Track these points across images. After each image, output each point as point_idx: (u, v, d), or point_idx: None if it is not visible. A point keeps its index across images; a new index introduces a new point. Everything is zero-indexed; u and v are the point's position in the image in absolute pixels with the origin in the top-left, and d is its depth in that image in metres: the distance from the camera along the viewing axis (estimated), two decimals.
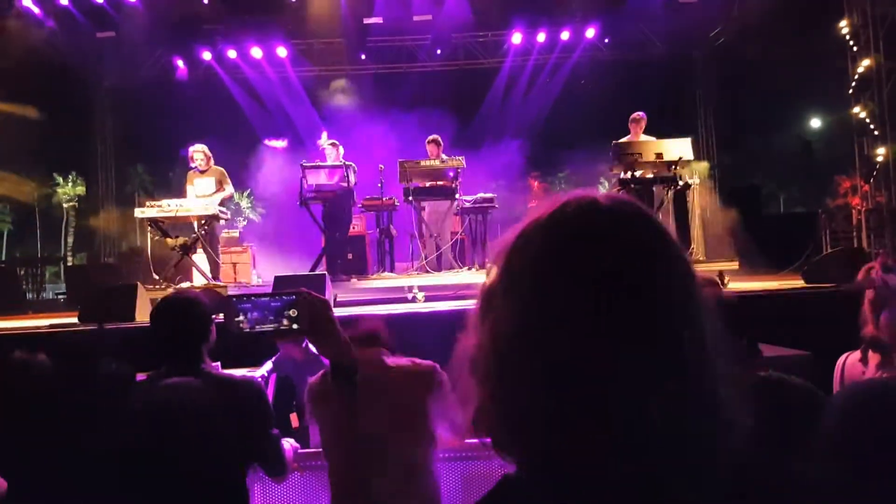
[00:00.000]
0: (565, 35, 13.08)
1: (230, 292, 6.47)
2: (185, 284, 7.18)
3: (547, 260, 0.61)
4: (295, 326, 1.33)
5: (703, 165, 11.04)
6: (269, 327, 1.32)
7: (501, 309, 0.63)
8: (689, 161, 7.20)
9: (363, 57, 13.33)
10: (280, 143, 13.93)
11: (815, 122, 22.58)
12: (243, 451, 1.83)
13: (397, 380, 1.96)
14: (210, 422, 1.49)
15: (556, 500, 0.59)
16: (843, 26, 11.01)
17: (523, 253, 0.63)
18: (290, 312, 1.31)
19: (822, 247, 9.43)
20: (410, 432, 1.90)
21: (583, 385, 0.57)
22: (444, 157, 7.47)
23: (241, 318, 1.33)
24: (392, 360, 2.02)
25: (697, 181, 7.40)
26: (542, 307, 0.60)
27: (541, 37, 13.10)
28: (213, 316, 2.05)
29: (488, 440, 0.65)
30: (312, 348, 3.42)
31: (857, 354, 2.12)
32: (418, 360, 2.09)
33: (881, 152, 10.75)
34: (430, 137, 7.79)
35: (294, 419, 3.18)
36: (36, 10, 10.57)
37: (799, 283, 5.48)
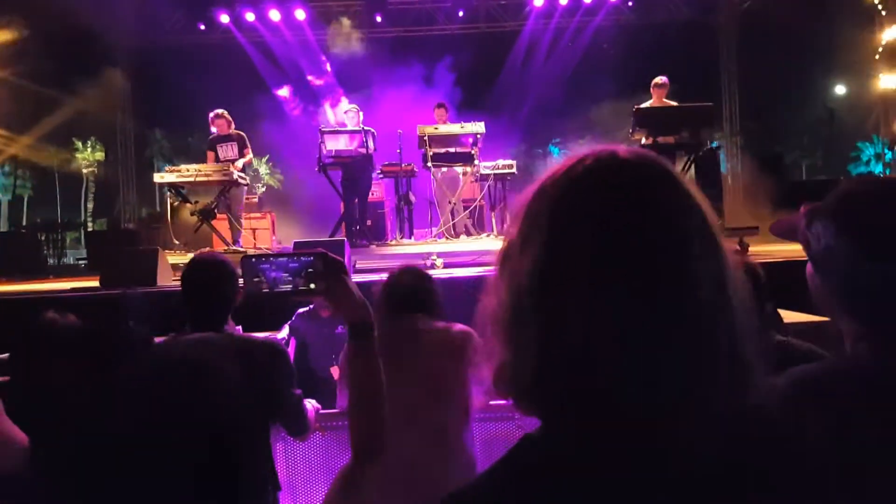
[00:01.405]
0: None
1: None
2: (205, 250, 7.25)
3: (563, 211, 0.61)
4: (312, 286, 1.32)
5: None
6: (286, 288, 1.33)
7: (518, 263, 0.62)
8: (713, 127, 7.07)
9: (378, 20, 13.11)
10: (284, 92, 13.87)
11: (840, 89, 22.00)
12: (265, 409, 1.86)
13: (429, 345, 1.97)
14: (231, 377, 1.51)
15: (575, 456, 0.59)
16: None
17: (539, 206, 0.63)
18: (308, 272, 1.31)
19: None
20: (442, 398, 1.91)
21: (598, 338, 0.57)
22: (463, 123, 7.39)
23: (260, 278, 1.33)
24: (424, 325, 2.02)
25: (720, 146, 7.28)
26: (557, 258, 0.59)
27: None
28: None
29: (509, 399, 0.65)
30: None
31: None
32: (453, 326, 2.08)
33: None
34: (438, 103, 7.76)
35: (335, 372, 3.23)
36: None
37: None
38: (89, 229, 19.71)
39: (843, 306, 0.96)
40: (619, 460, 0.57)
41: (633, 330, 0.57)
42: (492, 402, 2.32)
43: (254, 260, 1.28)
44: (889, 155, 11.04)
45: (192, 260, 2.12)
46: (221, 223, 7.37)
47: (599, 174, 0.61)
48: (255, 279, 1.28)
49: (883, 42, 10.62)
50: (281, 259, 1.28)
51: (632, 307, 0.57)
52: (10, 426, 1.33)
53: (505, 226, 7.13)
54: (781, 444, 0.62)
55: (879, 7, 10.62)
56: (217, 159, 7.36)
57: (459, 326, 2.11)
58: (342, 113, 7.71)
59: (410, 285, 2.23)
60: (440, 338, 2.05)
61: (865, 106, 14.05)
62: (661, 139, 6.96)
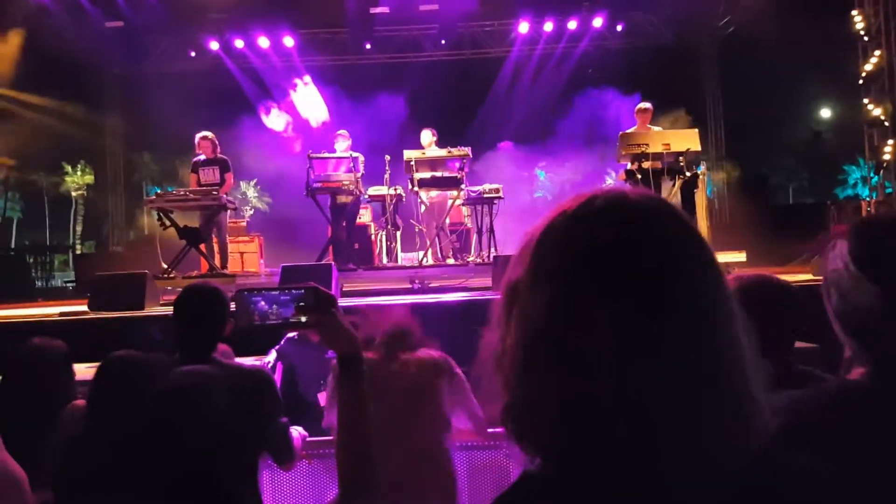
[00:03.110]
0: (572, 24, 13.01)
1: (238, 283, 6.53)
2: (193, 273, 7.24)
3: (576, 255, 0.61)
4: (303, 319, 1.36)
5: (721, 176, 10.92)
6: (277, 321, 1.37)
7: (528, 303, 0.62)
8: (696, 152, 7.18)
9: (368, 47, 13.29)
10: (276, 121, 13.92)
11: (825, 112, 22.35)
12: (252, 438, 1.88)
13: (408, 368, 2.02)
14: (223, 408, 1.53)
15: (580, 496, 0.59)
16: (856, 15, 10.91)
17: (551, 247, 0.63)
18: (299, 305, 1.35)
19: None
20: (423, 418, 1.96)
21: (612, 381, 0.57)
22: (450, 148, 7.48)
23: (253, 311, 1.37)
24: (404, 353, 2.08)
25: (704, 170, 7.38)
26: (570, 303, 0.59)
27: (548, 26, 13.02)
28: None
29: (510, 434, 0.64)
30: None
31: None
32: (430, 352, 2.15)
33: (890, 143, 10.69)
34: (426, 129, 7.78)
35: (322, 398, 3.23)
36: None
37: (807, 275, 5.49)
38: (77, 252, 19.61)
39: (846, 328, 0.97)
40: (623, 499, 0.57)
41: (649, 376, 0.57)
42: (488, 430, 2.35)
43: (246, 293, 1.32)
44: (875, 179, 11.21)
45: (186, 288, 2.14)
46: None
47: (609, 217, 0.62)
48: (248, 312, 1.32)
49: (866, 70, 10.86)
50: (273, 292, 1.33)
51: (646, 354, 0.57)
52: (8, 459, 1.34)
53: (493, 252, 7.18)
54: (784, 486, 0.61)
55: (863, 34, 10.88)
56: (199, 183, 7.39)
57: (436, 353, 2.18)
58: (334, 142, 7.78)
59: (402, 328, 2.29)
60: (420, 366, 2.11)
61: (851, 129, 14.30)
62: (646, 164, 7.06)
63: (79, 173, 23.48)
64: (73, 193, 24.61)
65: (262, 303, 1.37)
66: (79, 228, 25.41)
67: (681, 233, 0.62)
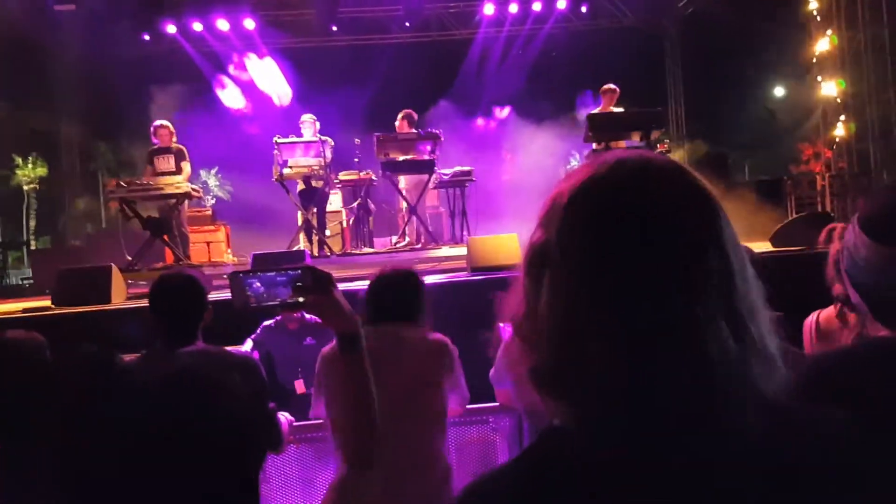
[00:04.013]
0: (537, 6, 13.02)
1: (209, 273, 6.41)
2: (158, 265, 7.08)
3: (610, 217, 0.62)
4: (300, 300, 1.35)
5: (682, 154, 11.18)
6: (274, 301, 1.36)
7: (561, 267, 0.63)
8: (660, 131, 7.31)
9: (335, 29, 13.08)
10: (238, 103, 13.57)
11: (779, 91, 22.89)
12: (244, 424, 1.86)
13: (410, 351, 2.00)
14: (214, 395, 1.51)
15: (613, 450, 0.60)
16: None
17: (582, 212, 0.63)
18: (296, 285, 1.34)
19: (788, 212, 9.69)
20: (418, 408, 1.93)
21: (650, 338, 0.59)
22: (420, 131, 7.44)
23: (249, 293, 1.35)
24: (406, 332, 2.03)
25: (669, 149, 7.53)
26: (607, 265, 0.60)
27: (513, 7, 13.02)
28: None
29: (544, 394, 0.65)
30: (308, 317, 3.46)
31: (830, 311, 2.21)
32: (430, 333, 2.10)
33: (842, 119, 11.03)
34: (403, 112, 7.72)
35: (299, 385, 3.21)
36: None
37: (767, 246, 5.65)
38: (32, 248, 18.95)
39: (856, 290, 1.04)
40: (665, 455, 0.59)
41: (680, 330, 0.59)
42: (468, 406, 2.35)
43: (241, 275, 1.30)
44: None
45: (161, 277, 2.10)
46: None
47: (641, 179, 0.63)
48: (244, 294, 1.30)
49: (817, 52, 11.17)
50: (268, 274, 1.31)
51: (679, 310, 0.59)
52: None
53: (465, 234, 7.19)
54: (813, 428, 0.64)
55: (815, 15, 11.16)
56: (155, 172, 7.23)
57: (436, 335, 2.12)
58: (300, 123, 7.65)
59: (396, 291, 2.15)
60: (418, 347, 2.06)
61: (804, 108, 14.68)
62: (613, 144, 7.15)
63: (30, 166, 22.63)
64: (25, 187, 23.72)
65: (257, 284, 1.35)
66: (32, 223, 24.55)
67: (705, 194, 0.65)
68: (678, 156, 14.05)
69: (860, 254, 1.00)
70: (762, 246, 5.87)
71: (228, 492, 0.79)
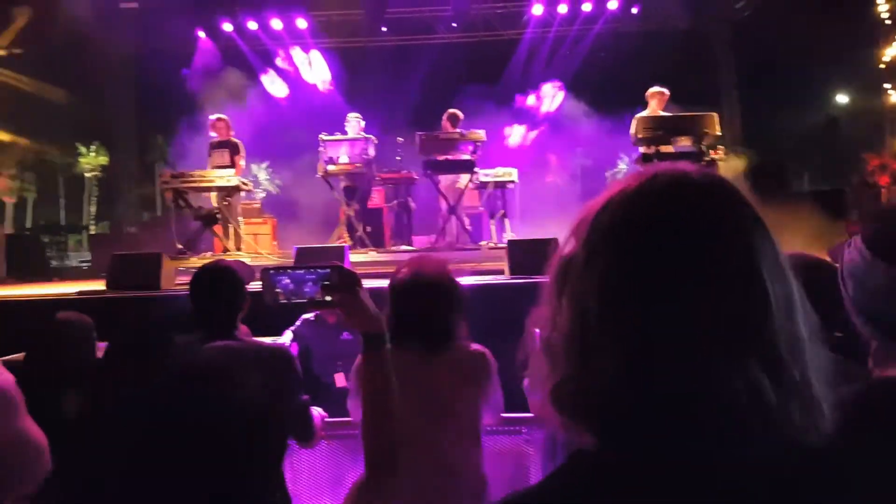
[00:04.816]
0: (587, 7, 12.85)
1: (250, 263, 6.56)
2: (207, 254, 7.30)
3: (633, 230, 0.60)
4: (328, 298, 1.37)
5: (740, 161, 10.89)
6: (303, 299, 1.38)
7: (582, 280, 0.61)
8: (715, 136, 7.11)
9: (384, 29, 13.23)
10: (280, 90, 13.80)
11: (842, 98, 22.00)
12: (280, 415, 1.90)
13: (447, 362, 1.91)
14: (249, 385, 1.55)
15: (635, 476, 0.57)
16: (881, 3, 10.72)
17: (608, 223, 0.62)
18: (324, 284, 1.36)
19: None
20: (452, 420, 1.87)
21: (666, 359, 0.56)
22: (462, 131, 7.44)
23: (278, 290, 1.38)
24: (441, 343, 1.90)
25: (722, 156, 7.31)
26: (625, 278, 0.59)
27: (562, 8, 12.88)
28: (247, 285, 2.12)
29: (561, 413, 0.63)
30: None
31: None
32: (468, 345, 2.00)
33: None
34: (448, 112, 7.73)
35: (339, 379, 3.24)
36: None
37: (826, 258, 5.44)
38: (91, 232, 19.76)
39: (864, 318, 0.96)
40: (681, 482, 0.56)
41: (703, 355, 0.56)
42: (506, 415, 2.28)
43: (272, 272, 1.34)
44: None
45: (202, 268, 2.17)
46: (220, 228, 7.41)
47: (670, 193, 0.61)
48: (274, 290, 1.34)
49: (887, 56, 10.69)
50: (298, 271, 1.34)
51: (701, 334, 0.56)
52: (32, 426, 1.37)
53: (504, 236, 7.16)
54: (833, 482, 0.59)
55: (885, 18, 10.69)
56: (212, 165, 7.44)
57: (475, 346, 2.02)
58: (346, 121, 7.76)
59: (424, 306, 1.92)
60: (455, 357, 1.94)
61: (869, 116, 14.07)
62: (662, 148, 7.00)
63: (92, 154, 23.60)
64: (87, 175, 24.74)
65: (287, 281, 1.38)
66: (92, 209, 25.59)
67: (740, 211, 0.61)
68: (733, 163, 13.65)
69: (871, 279, 0.92)
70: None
71: (238, 485, 0.81)
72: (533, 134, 13.00)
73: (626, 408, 0.57)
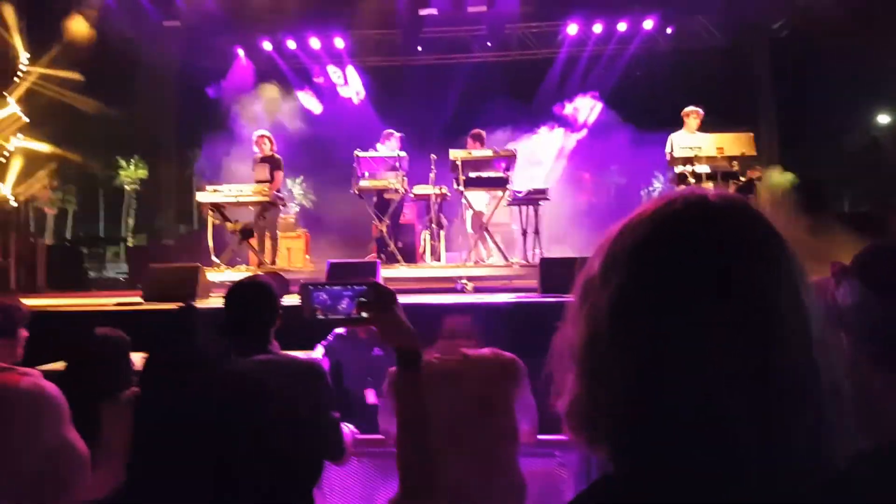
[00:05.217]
0: (622, 26, 12.83)
1: (288, 278, 6.62)
2: (242, 267, 7.41)
3: (648, 250, 0.61)
4: (364, 315, 1.37)
5: (784, 177, 10.70)
6: (340, 315, 1.38)
7: (598, 298, 0.62)
8: (751, 157, 7.00)
9: (420, 49, 13.38)
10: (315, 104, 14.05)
11: (884, 118, 21.50)
12: (313, 431, 1.90)
13: (476, 369, 1.97)
14: (282, 400, 1.56)
15: (650, 498, 0.57)
16: None
17: (625, 244, 0.63)
18: (360, 301, 1.36)
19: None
20: (489, 423, 1.91)
21: (674, 379, 0.56)
22: (496, 148, 7.45)
23: (316, 305, 1.39)
24: (472, 352, 2.03)
25: (760, 176, 7.19)
26: (638, 297, 0.59)
27: (597, 27, 12.88)
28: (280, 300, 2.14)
29: (575, 431, 0.63)
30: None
31: None
32: (500, 352, 2.08)
33: None
34: (472, 132, 7.77)
35: (370, 395, 3.25)
36: None
37: None
38: (129, 244, 20.27)
39: (874, 359, 0.93)
40: (690, 497, 0.56)
41: (715, 377, 0.55)
42: (539, 437, 2.27)
43: (311, 287, 1.34)
44: None
45: (237, 282, 2.19)
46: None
47: (688, 216, 0.61)
48: (311, 306, 1.34)
49: None
50: (335, 288, 1.34)
51: (712, 355, 0.56)
52: (75, 436, 1.39)
53: (536, 253, 7.12)
54: None
55: None
56: (254, 179, 7.62)
57: (508, 354, 2.11)
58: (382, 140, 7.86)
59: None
60: (489, 364, 2.03)
61: None
62: (697, 168, 6.91)
63: (132, 168, 24.27)
64: (127, 187, 25.44)
65: (324, 296, 1.38)
66: (131, 221, 26.27)
67: (761, 236, 0.61)
68: (775, 180, 13.37)
69: (870, 313, 0.92)
70: None
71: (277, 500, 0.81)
72: (572, 141, 12.94)
73: (635, 420, 0.58)
